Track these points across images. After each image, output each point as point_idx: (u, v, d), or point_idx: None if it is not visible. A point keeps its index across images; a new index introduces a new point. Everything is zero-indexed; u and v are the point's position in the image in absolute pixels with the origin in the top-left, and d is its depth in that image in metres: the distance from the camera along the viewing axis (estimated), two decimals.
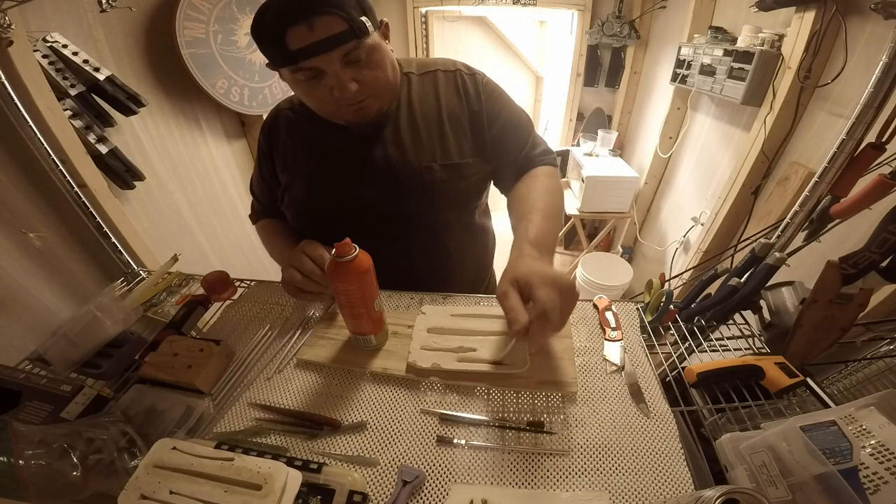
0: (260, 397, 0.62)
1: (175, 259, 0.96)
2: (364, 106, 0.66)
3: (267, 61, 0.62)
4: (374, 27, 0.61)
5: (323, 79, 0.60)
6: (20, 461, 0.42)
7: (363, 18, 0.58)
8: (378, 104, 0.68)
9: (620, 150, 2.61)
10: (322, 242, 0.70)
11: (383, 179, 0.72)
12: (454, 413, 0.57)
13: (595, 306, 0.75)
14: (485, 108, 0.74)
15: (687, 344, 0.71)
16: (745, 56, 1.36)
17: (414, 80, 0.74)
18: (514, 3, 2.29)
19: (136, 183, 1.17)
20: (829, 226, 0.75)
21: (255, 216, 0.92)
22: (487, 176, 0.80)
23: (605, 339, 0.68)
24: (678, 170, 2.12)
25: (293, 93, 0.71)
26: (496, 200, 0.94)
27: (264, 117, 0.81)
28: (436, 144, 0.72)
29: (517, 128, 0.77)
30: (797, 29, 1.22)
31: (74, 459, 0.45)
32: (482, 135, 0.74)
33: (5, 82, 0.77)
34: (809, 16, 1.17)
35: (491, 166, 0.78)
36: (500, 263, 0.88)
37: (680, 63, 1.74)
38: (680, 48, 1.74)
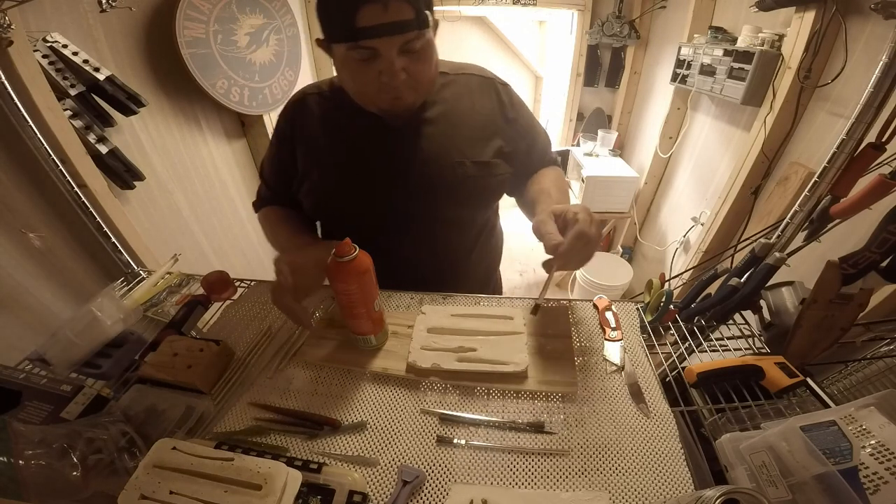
0: (260, 397, 0.62)
1: (175, 259, 0.96)
2: (401, 96, 0.65)
3: (320, 37, 0.63)
4: (432, 23, 0.62)
5: (375, 62, 0.60)
6: (20, 461, 0.42)
7: (427, 12, 0.59)
8: (414, 97, 0.68)
9: (620, 150, 2.61)
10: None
11: (414, 173, 0.72)
12: (454, 413, 0.57)
13: (595, 306, 0.75)
14: (519, 119, 0.78)
15: (687, 344, 0.71)
16: (745, 56, 1.36)
17: (449, 79, 0.75)
18: (514, 3, 2.29)
19: (136, 183, 1.16)
20: (829, 226, 0.75)
21: (261, 203, 0.88)
22: (510, 177, 0.81)
23: (605, 339, 0.68)
24: (678, 170, 2.12)
25: (313, 80, 0.72)
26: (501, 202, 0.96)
27: (264, 117, 0.80)
28: (466, 142, 0.74)
29: (541, 140, 0.84)
30: (797, 29, 1.22)
31: (74, 459, 0.45)
32: (514, 143, 0.78)
33: (5, 82, 0.76)
34: (809, 16, 1.17)
35: (513, 170, 0.80)
36: (505, 266, 0.89)
37: (680, 63, 1.74)
38: (680, 48, 1.74)
